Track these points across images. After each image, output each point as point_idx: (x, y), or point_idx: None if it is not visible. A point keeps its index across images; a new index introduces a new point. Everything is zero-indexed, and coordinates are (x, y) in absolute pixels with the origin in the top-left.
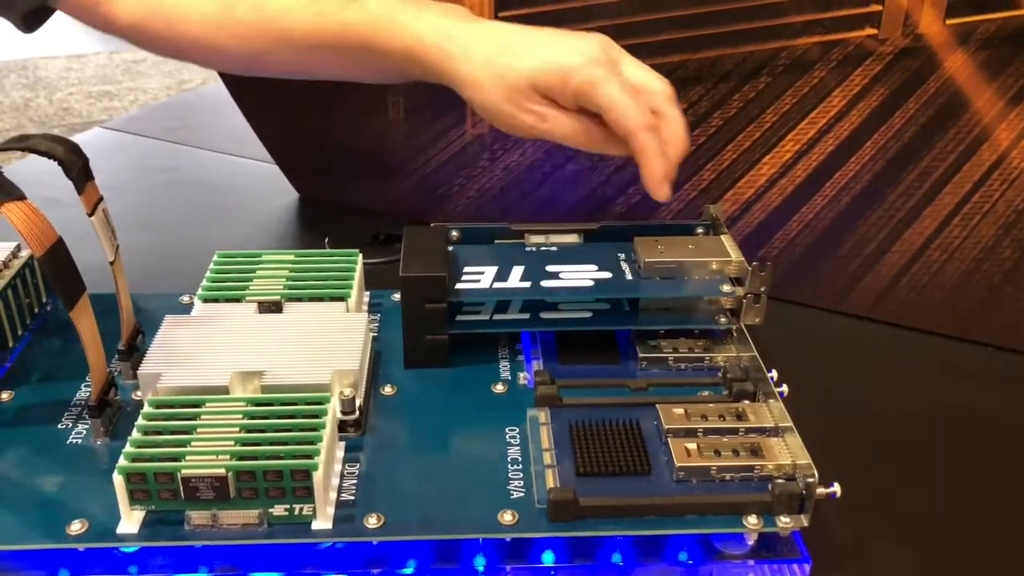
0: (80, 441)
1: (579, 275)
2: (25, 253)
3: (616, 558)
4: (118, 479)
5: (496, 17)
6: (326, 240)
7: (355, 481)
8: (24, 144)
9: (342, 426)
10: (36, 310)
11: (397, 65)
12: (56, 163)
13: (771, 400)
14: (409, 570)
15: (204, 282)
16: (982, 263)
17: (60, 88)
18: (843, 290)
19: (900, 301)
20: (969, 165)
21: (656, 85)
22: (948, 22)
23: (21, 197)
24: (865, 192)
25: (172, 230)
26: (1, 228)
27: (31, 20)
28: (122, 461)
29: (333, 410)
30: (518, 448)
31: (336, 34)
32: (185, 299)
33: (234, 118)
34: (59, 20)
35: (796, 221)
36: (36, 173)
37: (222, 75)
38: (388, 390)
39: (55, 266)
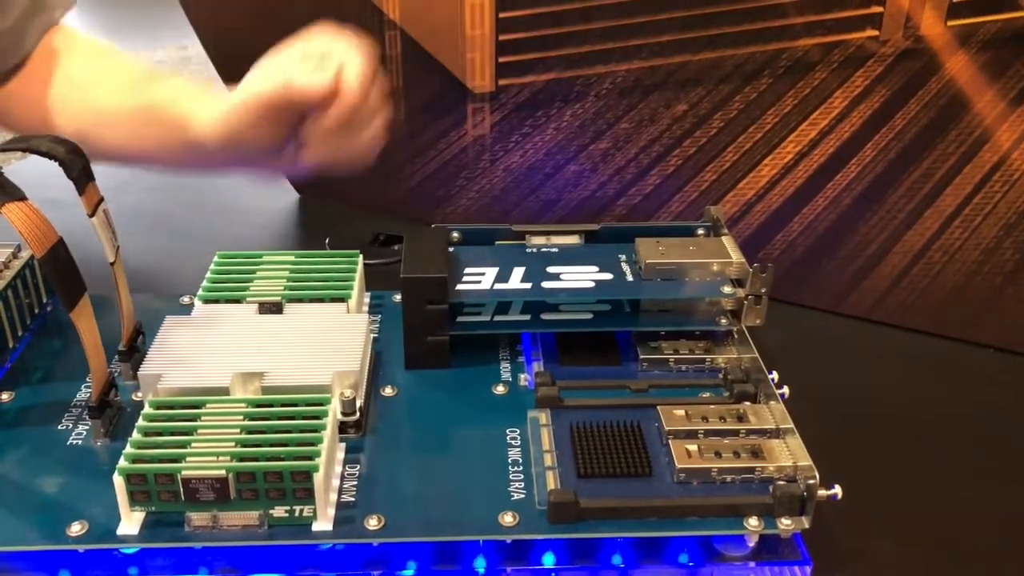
0: (80, 442)
1: (580, 276)
2: (25, 254)
3: (617, 560)
4: (118, 480)
5: (496, 18)
6: (327, 241)
7: (355, 482)
8: (25, 144)
9: (342, 427)
10: (36, 310)
11: (184, 131)
12: (57, 164)
13: (772, 402)
14: (409, 572)
15: (204, 283)
16: (983, 265)
17: None
18: (844, 291)
19: (901, 302)
20: (970, 166)
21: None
22: (949, 23)
23: (22, 198)
24: (866, 193)
25: (172, 231)
26: (1, 229)
27: None
28: (122, 462)
29: (333, 411)
30: (519, 449)
31: (141, 109)
32: (186, 300)
33: None
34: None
35: (797, 222)
36: (37, 174)
37: (222, 75)
38: (389, 391)
39: (56, 267)
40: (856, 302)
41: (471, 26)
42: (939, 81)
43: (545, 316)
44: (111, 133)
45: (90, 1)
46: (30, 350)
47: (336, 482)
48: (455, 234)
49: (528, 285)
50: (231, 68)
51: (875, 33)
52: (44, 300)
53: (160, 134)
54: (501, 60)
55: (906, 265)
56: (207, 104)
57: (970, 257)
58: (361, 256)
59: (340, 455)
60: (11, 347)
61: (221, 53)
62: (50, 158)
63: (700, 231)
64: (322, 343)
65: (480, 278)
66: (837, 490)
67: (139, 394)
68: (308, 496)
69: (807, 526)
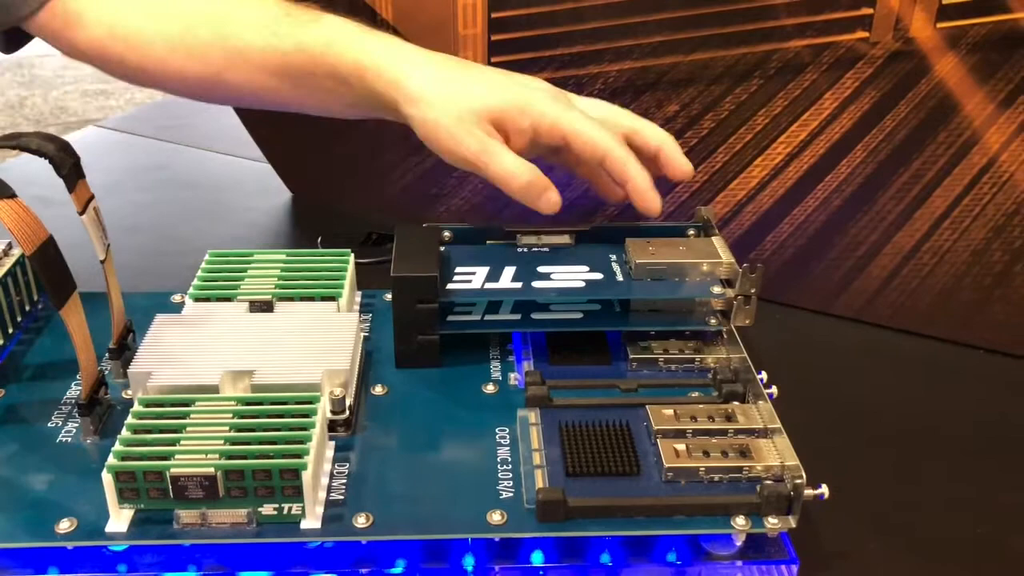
0: (70, 439)
1: (570, 276)
2: (16, 251)
3: (605, 558)
4: (107, 477)
5: (489, 17)
6: (318, 240)
7: (344, 481)
8: (15, 142)
9: (332, 426)
10: (27, 308)
11: (347, 84)
12: (47, 161)
13: (760, 401)
14: (398, 570)
15: (195, 281)
16: (973, 266)
17: (56, 86)
18: (834, 292)
19: (891, 303)
20: (959, 168)
21: (616, 110)
22: (939, 26)
23: (11, 195)
24: (856, 195)
25: (165, 229)
26: None
27: (9, 42)
28: (111, 459)
29: (323, 410)
30: (508, 448)
31: (290, 53)
32: (177, 298)
33: (228, 118)
34: None
35: (788, 223)
36: (28, 171)
37: None
38: (379, 390)
39: (45, 264)
40: (846, 303)
41: (463, 26)
42: (929, 83)
43: (535, 315)
44: (244, 78)
45: None
46: (21, 348)
47: (325, 480)
48: (446, 233)
49: (519, 284)
50: None
51: (865, 35)
52: (35, 298)
53: (305, 83)
54: (493, 60)
55: (896, 266)
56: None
57: (960, 259)
58: (352, 255)
59: (329, 453)
60: (2, 344)
61: None
62: (40, 155)
63: (691, 232)
64: (312, 341)
65: (471, 277)
66: (824, 490)
67: (129, 392)
68: (296, 494)
69: (794, 525)
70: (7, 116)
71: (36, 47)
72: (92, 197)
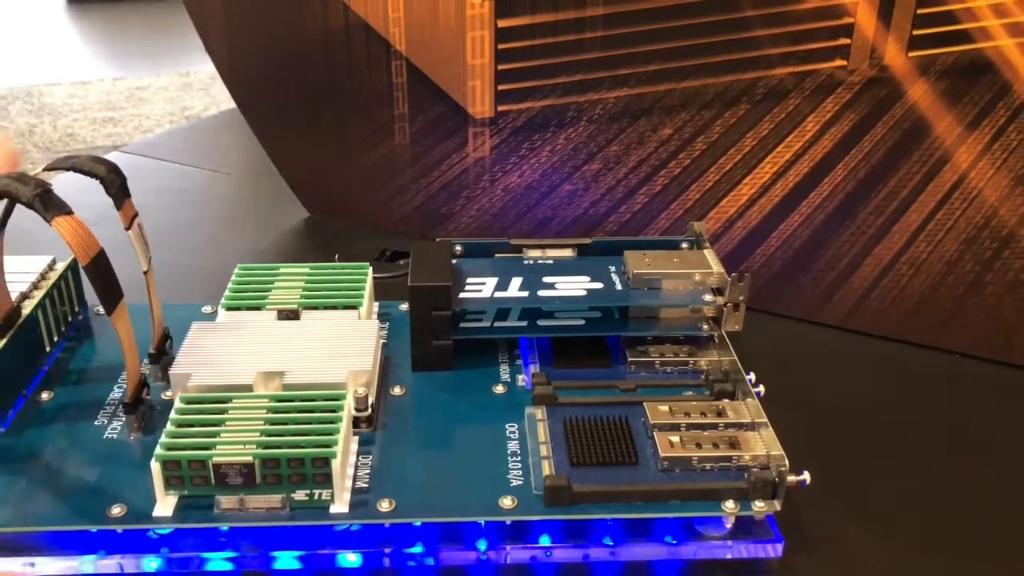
0: (115, 436)
1: (573, 286)
2: (60, 266)
3: (607, 539)
4: (155, 466)
5: (496, 49)
6: (335, 256)
7: (368, 471)
8: (69, 164)
9: (356, 422)
10: (70, 318)
11: None
12: (98, 181)
13: (748, 399)
14: (418, 549)
15: (227, 292)
16: (947, 276)
17: (64, 114)
18: (819, 301)
19: (872, 312)
20: (932, 185)
21: None
22: (910, 54)
23: (69, 212)
24: (838, 210)
25: (189, 247)
26: (35, 242)
27: None
28: (158, 450)
29: (348, 406)
30: (517, 442)
31: None
32: (207, 309)
33: (244, 141)
34: (64, 47)
35: (775, 237)
36: (69, 192)
37: (237, 100)
38: (397, 391)
39: (98, 274)
40: (830, 311)
41: (472, 56)
42: (902, 107)
43: (541, 322)
44: None
45: (94, 30)
46: (65, 354)
47: (351, 470)
48: (458, 247)
49: (525, 294)
50: (246, 93)
51: (843, 63)
52: (76, 309)
53: None
54: (500, 88)
55: (876, 277)
56: None
57: (935, 269)
58: (370, 267)
59: (354, 447)
60: (48, 351)
61: (237, 79)
62: (92, 176)
63: (684, 245)
64: (337, 346)
65: (481, 287)
66: (806, 476)
67: (168, 393)
68: (327, 481)
69: (778, 508)
70: (17, 144)
71: (46, 75)
72: (137, 214)
